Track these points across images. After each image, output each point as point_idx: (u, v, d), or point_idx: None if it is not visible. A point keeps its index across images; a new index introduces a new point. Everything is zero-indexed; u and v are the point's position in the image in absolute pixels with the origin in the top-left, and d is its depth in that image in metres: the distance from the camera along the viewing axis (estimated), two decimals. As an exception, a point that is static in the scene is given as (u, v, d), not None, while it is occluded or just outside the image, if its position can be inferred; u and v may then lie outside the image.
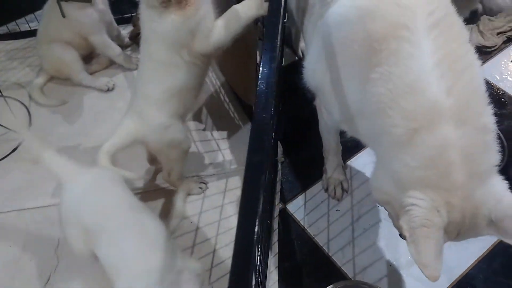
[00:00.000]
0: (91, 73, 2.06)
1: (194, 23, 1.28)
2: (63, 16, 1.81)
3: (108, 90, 2.02)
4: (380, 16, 0.99)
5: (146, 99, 1.40)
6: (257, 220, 0.52)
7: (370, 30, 0.99)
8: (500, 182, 0.95)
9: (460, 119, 0.91)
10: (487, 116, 0.97)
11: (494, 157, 0.95)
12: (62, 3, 1.80)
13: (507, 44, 2.15)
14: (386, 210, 1.17)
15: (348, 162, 1.76)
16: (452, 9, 1.02)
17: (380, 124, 1.00)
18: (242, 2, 1.34)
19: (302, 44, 2.12)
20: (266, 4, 1.34)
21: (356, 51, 1.03)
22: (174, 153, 1.51)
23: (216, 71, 2.08)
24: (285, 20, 1.23)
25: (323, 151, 1.65)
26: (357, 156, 1.78)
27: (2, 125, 1.84)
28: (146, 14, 1.31)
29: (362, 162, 1.77)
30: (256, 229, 0.51)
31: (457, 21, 1.01)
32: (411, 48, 0.94)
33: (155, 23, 1.29)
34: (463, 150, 0.90)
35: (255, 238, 0.50)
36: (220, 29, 1.32)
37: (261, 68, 0.69)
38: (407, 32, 0.95)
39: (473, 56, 1.00)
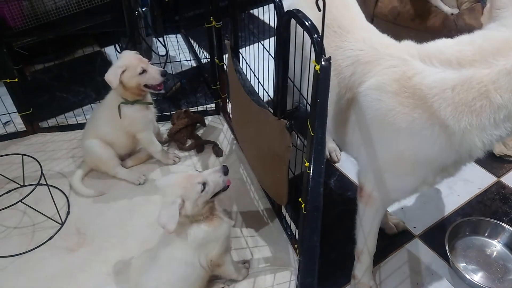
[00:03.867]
0: (128, 167, 2.19)
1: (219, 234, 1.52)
2: (120, 117, 1.99)
3: (139, 184, 2.13)
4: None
5: None
6: None
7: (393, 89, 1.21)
8: None
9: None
10: None
11: None
12: (122, 105, 1.98)
13: (530, 154, 2.21)
14: None
15: (377, 266, 1.76)
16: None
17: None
18: None
19: (330, 145, 2.23)
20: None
21: (402, 102, 1.20)
22: None
23: (247, 169, 2.18)
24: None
25: (356, 252, 1.63)
26: (386, 260, 1.78)
27: (41, 213, 1.94)
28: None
29: (391, 266, 1.76)
30: None
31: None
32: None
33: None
34: None
35: None
36: None
37: (309, 203, 0.74)
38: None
39: None
